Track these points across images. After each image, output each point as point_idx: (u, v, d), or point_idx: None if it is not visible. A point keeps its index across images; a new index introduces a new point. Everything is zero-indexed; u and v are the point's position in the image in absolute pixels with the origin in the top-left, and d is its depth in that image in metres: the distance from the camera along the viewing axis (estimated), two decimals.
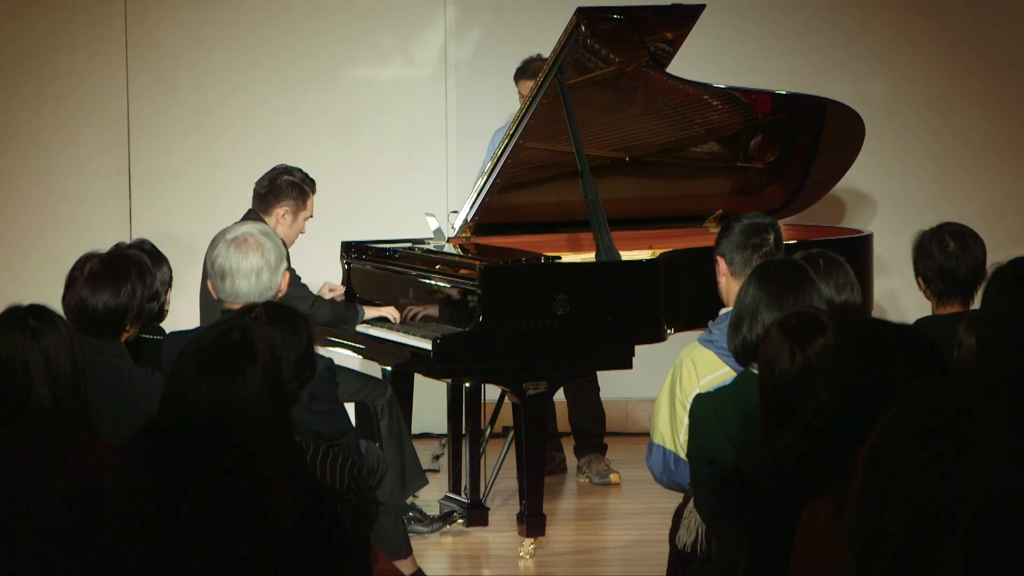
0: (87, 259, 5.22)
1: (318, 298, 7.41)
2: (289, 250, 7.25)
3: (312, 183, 7.52)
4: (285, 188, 7.43)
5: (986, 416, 2.71)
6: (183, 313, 8.99)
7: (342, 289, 7.73)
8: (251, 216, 7.30)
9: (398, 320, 7.46)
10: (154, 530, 2.53)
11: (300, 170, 7.53)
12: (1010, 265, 4.15)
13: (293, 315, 4.61)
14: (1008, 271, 4.11)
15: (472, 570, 7.26)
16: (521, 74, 8.29)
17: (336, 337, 7.61)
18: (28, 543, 3.68)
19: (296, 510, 2.64)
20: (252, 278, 5.39)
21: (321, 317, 7.35)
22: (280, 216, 7.40)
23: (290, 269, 7.17)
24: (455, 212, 7.97)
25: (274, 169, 7.54)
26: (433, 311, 7.34)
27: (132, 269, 5.19)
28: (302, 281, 7.40)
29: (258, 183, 7.52)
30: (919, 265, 5.83)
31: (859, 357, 3.44)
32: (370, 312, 7.51)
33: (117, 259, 5.23)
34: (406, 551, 6.44)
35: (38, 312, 4.15)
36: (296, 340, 4.52)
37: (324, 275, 8.33)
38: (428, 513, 7.46)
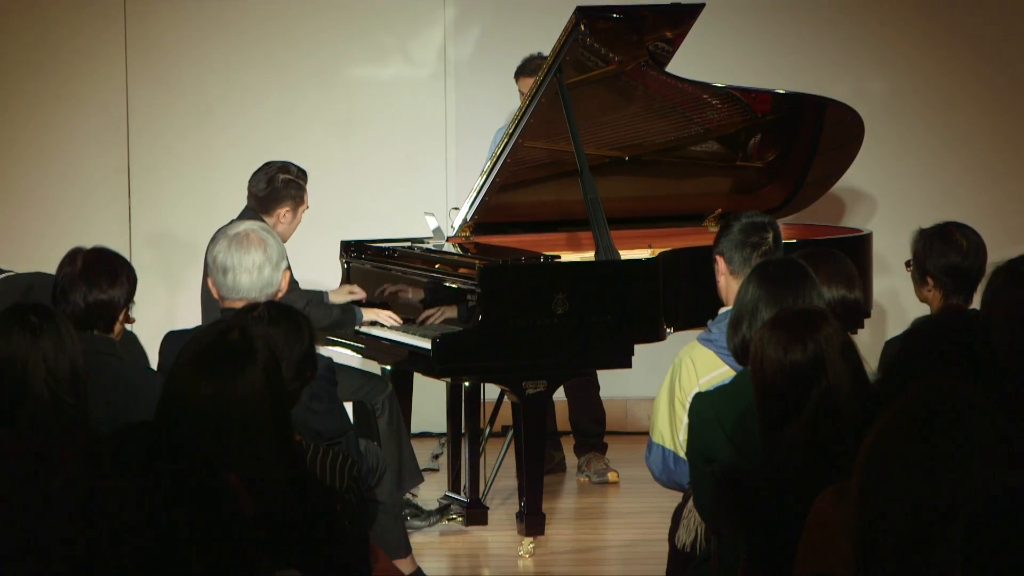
0: (73, 255, 5.20)
1: (311, 300, 7.39)
2: (286, 248, 7.26)
3: (305, 176, 7.50)
4: (284, 188, 7.41)
5: (985, 414, 2.71)
6: (183, 312, 8.99)
7: (362, 293, 7.64)
8: (248, 215, 7.29)
9: (396, 323, 7.44)
10: (142, 532, 2.54)
11: (293, 164, 7.49)
12: (1021, 260, 4.15)
13: (295, 314, 4.61)
14: (1020, 266, 4.12)
15: (471, 569, 7.26)
16: (522, 72, 8.29)
17: (336, 336, 7.61)
18: (26, 542, 3.68)
19: (251, 503, 2.66)
20: (254, 273, 5.39)
21: (314, 319, 7.30)
22: (281, 216, 7.40)
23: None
24: (456, 209, 7.96)
25: (268, 168, 7.48)
26: (433, 310, 7.34)
27: (119, 263, 5.19)
28: (298, 284, 7.39)
29: (254, 184, 7.46)
30: (927, 263, 5.81)
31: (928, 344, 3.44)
32: (368, 315, 7.48)
33: (104, 254, 5.22)
34: (405, 550, 6.44)
35: (40, 311, 4.15)
36: (298, 340, 4.52)
37: (324, 275, 8.33)
38: (425, 509, 7.47)
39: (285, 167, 7.45)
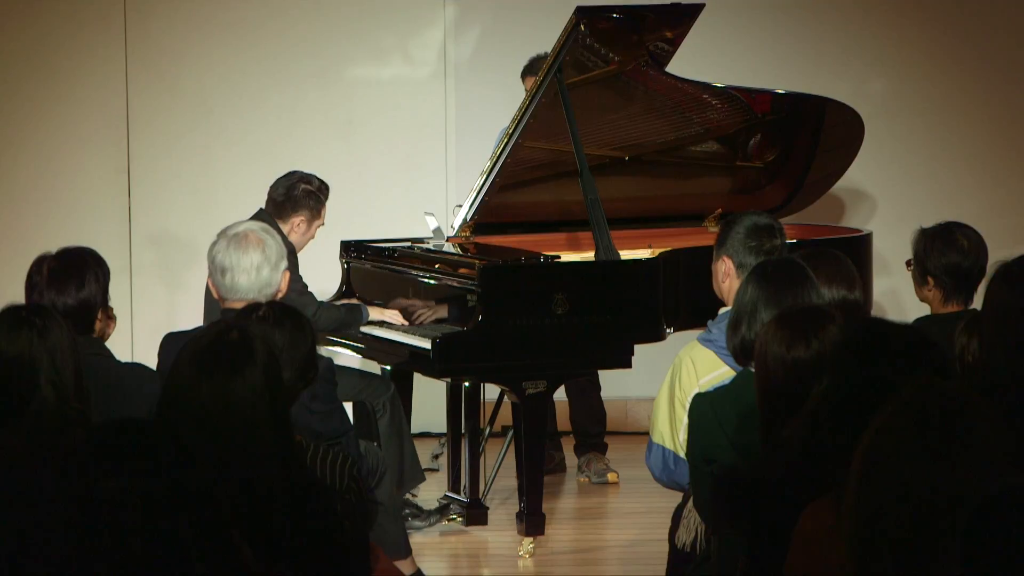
0: (41, 261, 5.19)
1: (322, 305, 7.40)
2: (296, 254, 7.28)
3: (327, 190, 7.53)
4: (303, 198, 7.42)
5: (982, 414, 2.71)
6: (183, 312, 8.99)
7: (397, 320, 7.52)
8: (260, 216, 7.29)
9: (402, 323, 7.44)
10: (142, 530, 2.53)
11: (317, 178, 7.51)
12: (1016, 262, 4.14)
13: (298, 316, 4.61)
14: (1014, 267, 4.11)
15: (471, 569, 7.26)
16: (529, 71, 8.28)
17: (336, 336, 7.61)
18: (29, 542, 3.67)
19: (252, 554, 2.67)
20: (252, 273, 5.38)
21: (324, 324, 7.33)
22: (295, 225, 7.41)
23: (298, 276, 7.19)
24: (459, 206, 7.96)
25: (291, 176, 7.50)
26: (432, 310, 7.34)
27: (88, 259, 5.19)
28: (308, 288, 7.39)
29: (274, 189, 7.48)
30: (928, 263, 5.80)
31: (860, 355, 3.43)
32: (374, 314, 7.48)
33: (67, 258, 5.21)
34: (405, 551, 6.44)
35: (40, 311, 4.15)
36: (302, 340, 4.52)
37: (324, 275, 8.33)
38: (425, 508, 7.47)
39: (308, 178, 7.48)
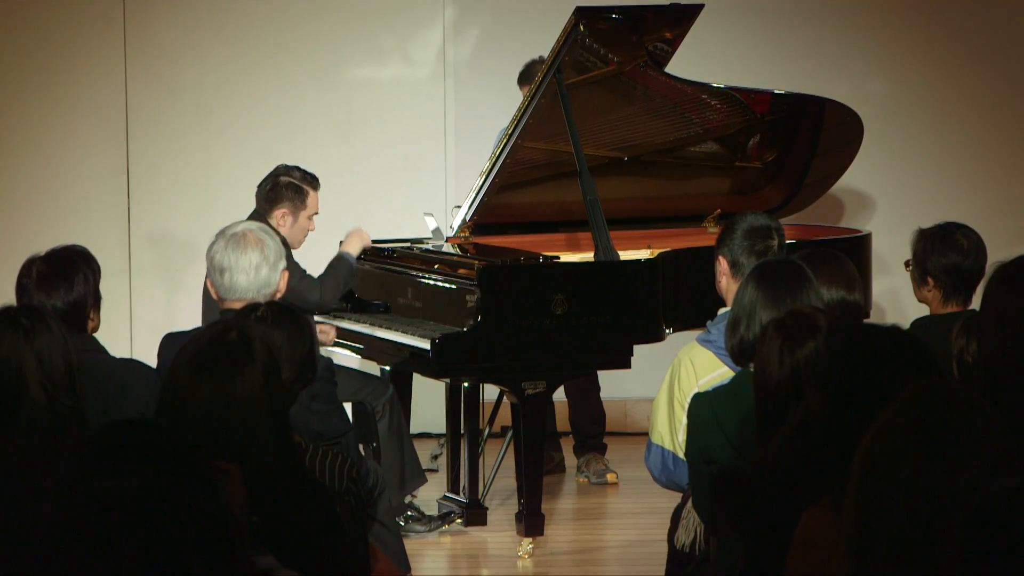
0: (31, 263, 5.19)
1: (323, 282, 7.38)
2: (294, 251, 7.26)
3: (312, 179, 7.45)
4: (282, 190, 7.38)
5: (982, 414, 2.71)
6: (182, 313, 8.99)
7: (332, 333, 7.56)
8: (254, 217, 7.28)
9: (367, 241, 7.51)
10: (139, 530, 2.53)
11: (299, 168, 7.46)
12: (1014, 263, 4.14)
13: (297, 316, 4.61)
14: (1012, 269, 4.11)
15: (470, 570, 7.26)
16: (524, 79, 8.27)
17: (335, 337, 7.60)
18: (25, 543, 3.67)
19: (243, 487, 2.67)
20: (251, 273, 5.38)
21: (333, 297, 7.35)
22: (280, 218, 7.35)
23: (294, 264, 7.17)
24: (458, 207, 7.96)
25: (275, 170, 7.47)
26: (432, 311, 7.33)
27: (78, 259, 5.19)
28: (307, 272, 7.37)
29: (260, 185, 7.47)
30: (928, 263, 5.80)
31: (843, 364, 3.43)
32: (353, 248, 7.50)
33: (60, 254, 5.22)
34: (405, 567, 6.40)
35: (30, 312, 4.14)
36: (300, 341, 4.52)
37: None
38: (427, 512, 7.46)
39: (288, 170, 7.43)
